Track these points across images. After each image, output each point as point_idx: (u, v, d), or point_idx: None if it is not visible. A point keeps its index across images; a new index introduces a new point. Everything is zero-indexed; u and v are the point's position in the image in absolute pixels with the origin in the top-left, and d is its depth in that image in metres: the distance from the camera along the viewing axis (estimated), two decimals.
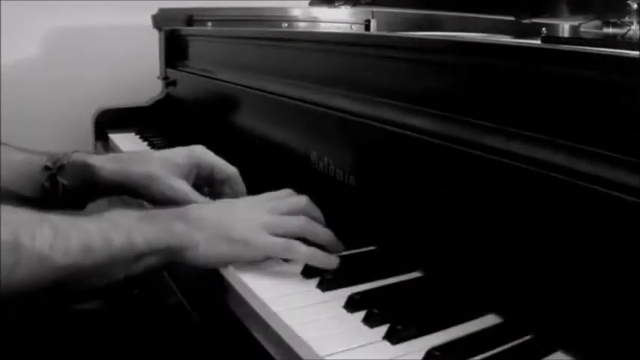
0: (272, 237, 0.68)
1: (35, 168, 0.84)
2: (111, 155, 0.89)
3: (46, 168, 0.84)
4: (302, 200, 0.74)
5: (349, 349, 0.53)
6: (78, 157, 0.85)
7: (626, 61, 0.49)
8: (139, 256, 0.64)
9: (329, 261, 0.66)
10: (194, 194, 0.83)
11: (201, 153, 0.86)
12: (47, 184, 0.83)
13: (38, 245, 0.59)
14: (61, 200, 0.82)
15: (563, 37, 1.19)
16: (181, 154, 0.86)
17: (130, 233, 0.64)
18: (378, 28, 1.66)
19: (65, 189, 0.83)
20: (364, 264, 0.71)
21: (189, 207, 0.72)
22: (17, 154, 0.85)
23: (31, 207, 0.64)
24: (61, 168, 0.83)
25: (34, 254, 0.58)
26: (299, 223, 0.70)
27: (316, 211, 0.74)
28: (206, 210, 0.72)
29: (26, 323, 0.81)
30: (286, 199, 0.75)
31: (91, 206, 0.85)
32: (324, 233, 0.71)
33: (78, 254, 0.61)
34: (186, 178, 0.84)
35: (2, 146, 0.84)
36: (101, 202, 0.87)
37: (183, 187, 0.82)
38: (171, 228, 0.66)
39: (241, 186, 0.86)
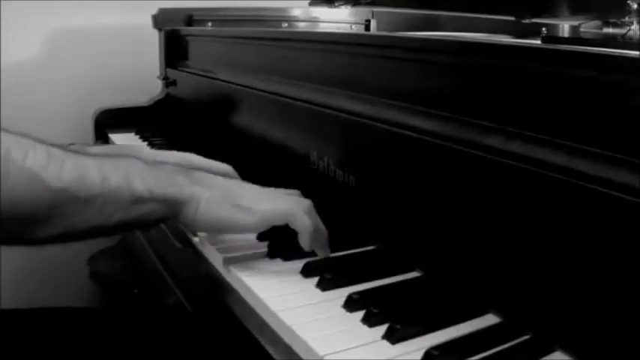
0: (273, 203, 0.67)
1: None
2: (105, 147, 0.89)
3: None
4: (306, 200, 0.73)
5: (348, 349, 0.53)
6: (74, 148, 0.86)
7: (626, 61, 0.49)
8: (137, 200, 0.63)
9: (325, 245, 0.67)
10: None
11: (194, 158, 0.87)
12: None
13: (30, 163, 0.57)
14: None
15: (563, 37, 1.19)
16: (174, 156, 0.87)
17: (129, 175, 0.63)
18: (378, 28, 1.66)
19: None
20: (363, 264, 0.71)
21: (196, 170, 0.71)
22: None
23: None
24: None
25: (25, 171, 0.57)
26: (305, 202, 0.69)
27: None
28: (213, 176, 0.71)
29: (28, 322, 0.81)
30: (292, 194, 0.75)
31: None
32: (322, 226, 0.70)
33: (71, 182, 0.60)
34: None
35: None
36: None
37: None
38: (174, 179, 0.66)
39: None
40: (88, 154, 0.65)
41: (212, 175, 0.71)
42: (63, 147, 0.64)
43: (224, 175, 0.85)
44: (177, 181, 0.66)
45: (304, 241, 0.67)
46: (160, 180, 0.65)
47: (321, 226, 0.70)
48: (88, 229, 0.62)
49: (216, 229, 0.69)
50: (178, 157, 0.87)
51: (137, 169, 0.65)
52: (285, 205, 0.68)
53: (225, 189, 0.68)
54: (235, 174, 0.86)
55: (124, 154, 0.68)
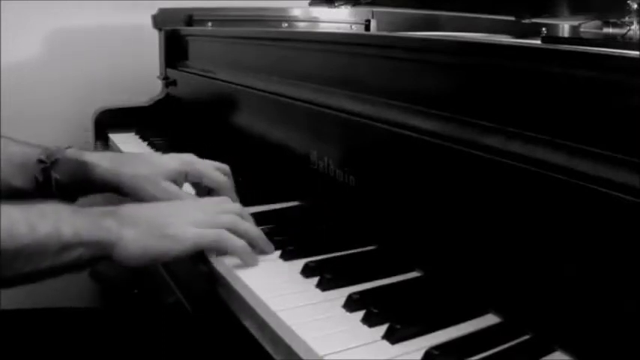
0: (201, 229, 0.69)
1: (29, 161, 0.84)
2: (105, 154, 0.90)
3: (40, 161, 0.84)
4: (235, 206, 0.76)
5: (348, 349, 0.53)
6: (72, 153, 0.86)
7: (626, 61, 0.49)
8: (66, 247, 0.65)
9: (265, 244, 0.71)
10: (183, 194, 0.83)
11: (190, 161, 0.87)
12: (40, 178, 0.83)
13: None
14: (52, 194, 0.83)
15: (563, 37, 1.19)
16: (172, 159, 0.88)
17: (57, 223, 0.65)
18: (378, 28, 1.66)
19: (58, 183, 0.83)
20: (364, 263, 0.71)
21: (123, 205, 0.73)
22: (14, 146, 0.86)
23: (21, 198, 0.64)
24: (55, 162, 0.84)
25: None
26: (229, 219, 0.71)
27: (249, 217, 0.75)
28: (139, 208, 0.73)
29: (28, 322, 0.81)
30: (219, 202, 0.77)
31: (82, 200, 0.86)
32: (254, 231, 0.72)
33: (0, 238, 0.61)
34: (174, 182, 0.85)
35: (2, 138, 0.85)
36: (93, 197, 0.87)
37: (172, 189, 0.82)
38: (100, 222, 0.67)
39: (230, 192, 0.86)
40: (19, 206, 0.65)
41: (140, 208, 0.73)
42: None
43: (217, 186, 0.85)
44: (105, 224, 0.67)
45: (245, 260, 0.69)
46: (88, 225, 0.66)
47: (253, 231, 0.72)
48: (17, 277, 0.64)
49: (149, 263, 0.71)
50: (175, 158, 0.88)
51: (64, 215, 0.66)
52: (213, 233, 0.70)
53: (152, 221, 0.69)
54: (228, 188, 0.86)
55: (51, 203, 0.69)
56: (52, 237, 0.64)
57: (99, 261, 0.69)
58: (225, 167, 0.88)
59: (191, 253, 0.70)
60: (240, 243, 0.69)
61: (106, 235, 0.67)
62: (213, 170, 0.86)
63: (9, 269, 0.63)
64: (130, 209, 0.71)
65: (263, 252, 0.72)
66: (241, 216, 0.74)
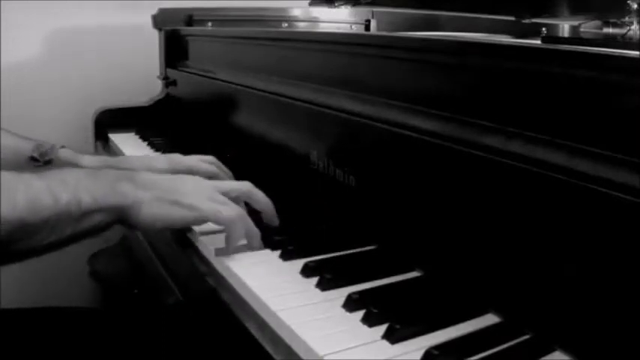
0: (218, 205, 0.70)
1: (22, 156, 0.85)
2: (98, 158, 0.90)
3: (33, 159, 0.84)
4: (245, 184, 0.77)
5: (348, 349, 0.53)
6: (66, 154, 0.86)
7: (626, 61, 0.49)
8: (86, 214, 0.66)
9: (259, 244, 0.72)
10: None
11: (177, 159, 0.88)
12: None
13: None
14: None
15: (563, 37, 1.19)
16: (160, 159, 0.89)
17: (76, 190, 0.65)
18: (378, 28, 1.66)
19: None
20: (363, 263, 0.71)
21: (139, 172, 0.74)
22: (7, 138, 0.86)
23: None
24: (49, 162, 0.84)
25: None
26: (238, 209, 0.72)
27: (259, 196, 0.76)
28: (154, 176, 0.74)
29: (28, 321, 0.82)
30: (230, 181, 0.79)
31: None
32: (252, 229, 0.72)
33: (25, 210, 0.61)
34: None
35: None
36: None
37: None
38: (117, 187, 0.68)
39: (225, 178, 0.87)
40: (38, 175, 0.66)
41: (155, 176, 0.74)
42: (12, 172, 0.65)
43: (209, 164, 0.86)
44: (121, 188, 0.68)
45: (228, 245, 0.71)
46: (105, 190, 0.68)
47: (251, 230, 0.73)
48: (42, 247, 0.65)
49: (159, 227, 0.72)
50: (162, 158, 0.89)
51: (83, 181, 0.67)
52: (228, 213, 0.70)
53: (166, 188, 0.71)
54: (218, 162, 0.87)
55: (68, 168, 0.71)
56: (73, 205, 0.65)
57: (116, 224, 0.70)
58: (211, 158, 0.89)
59: (197, 224, 0.72)
60: (242, 232, 0.71)
61: (123, 200, 0.68)
62: (202, 163, 0.86)
63: (36, 238, 0.63)
64: (146, 175, 0.72)
65: (253, 247, 0.73)
66: (251, 192, 0.75)
